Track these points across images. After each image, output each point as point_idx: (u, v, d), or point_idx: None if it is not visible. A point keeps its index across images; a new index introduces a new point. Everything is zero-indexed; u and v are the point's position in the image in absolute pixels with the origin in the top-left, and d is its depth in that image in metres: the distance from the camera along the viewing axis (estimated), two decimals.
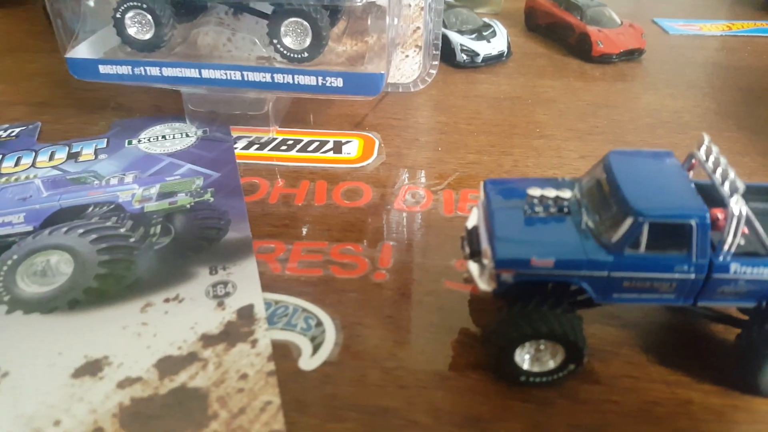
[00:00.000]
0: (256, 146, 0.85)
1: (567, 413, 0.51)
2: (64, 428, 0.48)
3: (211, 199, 0.73)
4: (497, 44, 1.13)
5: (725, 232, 0.48)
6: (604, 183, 0.52)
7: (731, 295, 0.51)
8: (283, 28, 0.79)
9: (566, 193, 0.53)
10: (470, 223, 0.57)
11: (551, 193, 0.53)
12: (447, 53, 1.10)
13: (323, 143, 0.86)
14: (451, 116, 0.95)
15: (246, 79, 0.82)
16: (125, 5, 0.80)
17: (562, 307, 0.50)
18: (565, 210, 0.53)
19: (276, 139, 0.87)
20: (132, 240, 0.66)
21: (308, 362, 0.54)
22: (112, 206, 0.71)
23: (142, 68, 0.82)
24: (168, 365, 0.52)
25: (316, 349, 0.55)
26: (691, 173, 0.56)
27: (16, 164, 0.80)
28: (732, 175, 0.50)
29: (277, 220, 0.71)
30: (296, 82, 0.81)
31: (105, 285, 0.61)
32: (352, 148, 0.86)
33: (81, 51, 0.86)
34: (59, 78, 1.00)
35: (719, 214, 0.50)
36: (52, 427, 0.48)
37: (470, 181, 0.79)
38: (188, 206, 0.72)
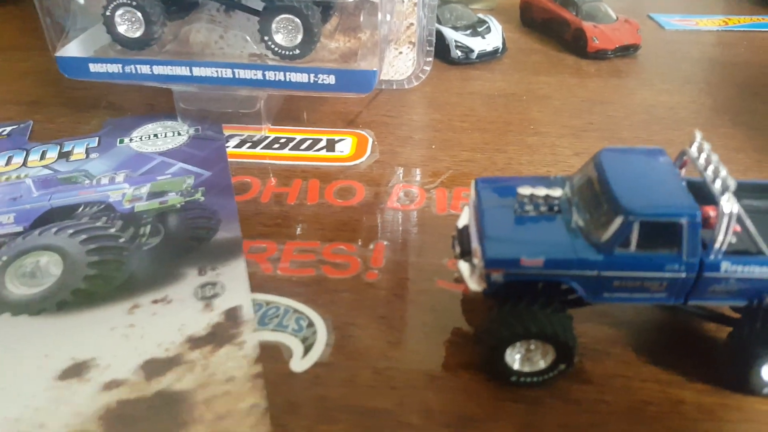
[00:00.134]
0: (248, 144, 0.84)
1: (558, 413, 0.50)
2: (49, 431, 0.47)
3: (202, 199, 0.73)
4: (492, 40, 1.12)
5: (716, 231, 0.48)
6: (595, 181, 0.52)
7: (723, 294, 0.50)
8: (274, 25, 0.78)
9: (557, 192, 0.53)
10: (461, 223, 0.57)
11: (542, 191, 0.53)
12: (441, 49, 1.09)
13: (316, 141, 0.86)
14: (445, 113, 0.95)
15: (237, 76, 0.81)
16: (115, 3, 0.79)
17: (553, 307, 0.50)
18: (556, 209, 0.52)
19: (268, 137, 0.86)
20: (122, 240, 0.66)
21: (299, 363, 0.54)
22: (102, 206, 0.71)
23: (132, 66, 0.82)
24: (154, 367, 0.52)
25: (307, 350, 0.55)
26: (684, 171, 0.55)
27: (7, 163, 0.80)
28: (723, 172, 0.49)
29: (269, 219, 0.71)
30: (288, 80, 0.80)
31: (94, 286, 0.60)
32: (345, 146, 0.85)
33: (71, 49, 0.85)
34: (51, 76, 0.99)
35: (711, 212, 0.49)
36: (37, 430, 0.47)
37: (464, 179, 0.78)
38: (179, 206, 0.71)
